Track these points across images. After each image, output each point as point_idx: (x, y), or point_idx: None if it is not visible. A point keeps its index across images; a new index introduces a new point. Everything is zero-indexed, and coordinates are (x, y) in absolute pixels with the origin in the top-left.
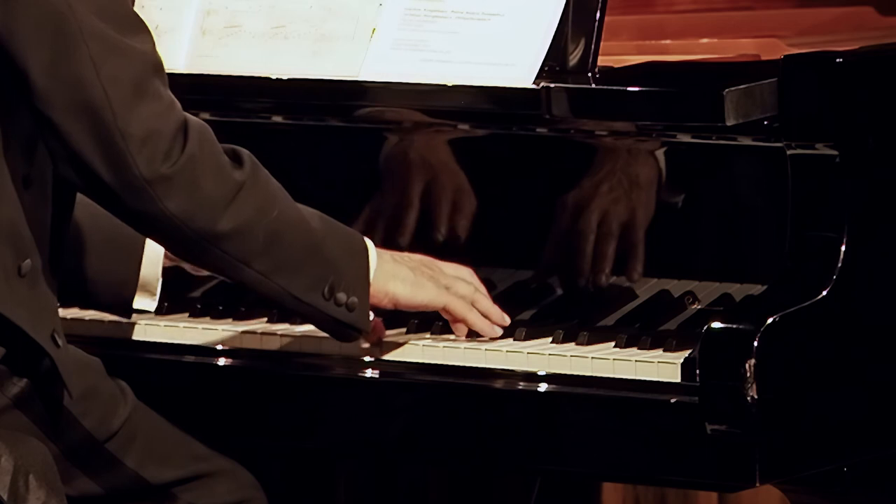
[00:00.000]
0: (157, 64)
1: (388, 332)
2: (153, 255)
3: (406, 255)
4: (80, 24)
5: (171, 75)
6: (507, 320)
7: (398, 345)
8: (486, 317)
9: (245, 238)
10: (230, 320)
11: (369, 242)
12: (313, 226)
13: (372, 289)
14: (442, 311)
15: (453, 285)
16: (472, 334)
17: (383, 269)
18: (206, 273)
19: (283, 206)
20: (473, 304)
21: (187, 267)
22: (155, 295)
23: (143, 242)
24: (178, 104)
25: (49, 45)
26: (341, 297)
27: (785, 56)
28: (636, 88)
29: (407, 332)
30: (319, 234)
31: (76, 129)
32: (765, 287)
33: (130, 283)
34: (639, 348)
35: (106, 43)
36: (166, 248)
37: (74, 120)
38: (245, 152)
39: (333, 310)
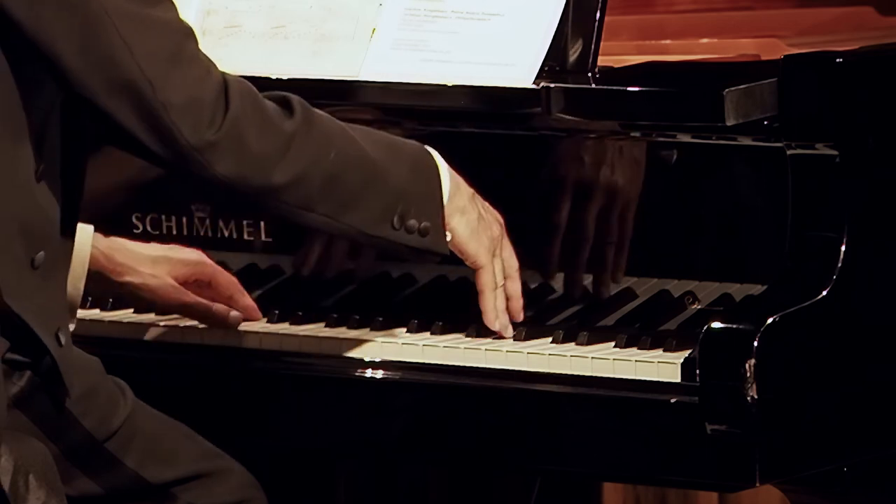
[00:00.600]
0: (187, 29)
1: (388, 332)
2: (77, 271)
3: (482, 201)
4: (104, 4)
5: None
6: (510, 331)
7: (398, 345)
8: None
9: (303, 186)
10: None
11: (440, 161)
12: (374, 157)
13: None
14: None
15: (500, 257)
16: (474, 335)
17: (456, 201)
18: None
19: (341, 145)
20: (501, 286)
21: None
22: (75, 313)
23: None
24: (216, 66)
25: (77, 31)
26: (412, 224)
27: (785, 56)
28: (636, 88)
29: (407, 332)
30: (382, 164)
31: (119, 108)
32: (765, 287)
33: None
34: (639, 348)
35: (132, 19)
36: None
37: (115, 99)
38: (295, 98)
39: (405, 238)
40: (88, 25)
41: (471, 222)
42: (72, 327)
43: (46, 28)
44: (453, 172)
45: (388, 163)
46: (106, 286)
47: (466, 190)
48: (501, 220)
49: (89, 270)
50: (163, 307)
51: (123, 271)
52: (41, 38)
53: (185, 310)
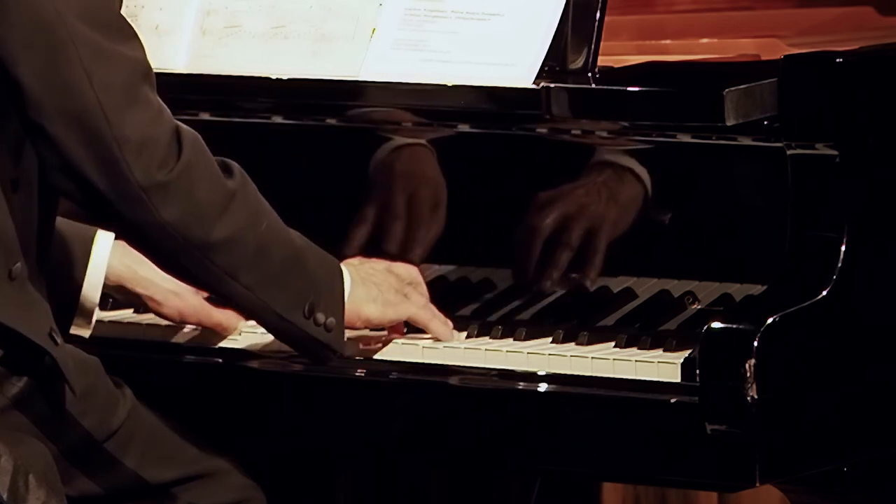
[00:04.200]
0: (147, 70)
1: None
2: (93, 280)
3: (368, 267)
4: (71, 32)
5: (171, 75)
6: (449, 324)
7: (398, 345)
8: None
9: (236, 249)
10: None
11: (342, 265)
12: (297, 243)
13: (347, 313)
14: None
15: (411, 294)
16: (474, 335)
17: (356, 293)
18: None
19: (270, 219)
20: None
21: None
22: (91, 321)
23: (86, 264)
24: (168, 110)
25: (41, 54)
26: (320, 317)
27: (785, 56)
28: (636, 88)
29: (407, 332)
30: (302, 251)
31: (70, 137)
32: (765, 287)
33: (69, 308)
34: (639, 348)
35: (96, 50)
36: (155, 260)
37: (68, 128)
38: (233, 163)
39: (313, 329)
40: (53, 51)
41: (377, 298)
42: (87, 333)
43: (13, 47)
44: (347, 271)
45: (306, 251)
46: (130, 298)
47: (357, 276)
48: (382, 262)
49: (113, 284)
50: (186, 321)
51: (148, 286)
52: (6, 56)
53: (206, 323)
